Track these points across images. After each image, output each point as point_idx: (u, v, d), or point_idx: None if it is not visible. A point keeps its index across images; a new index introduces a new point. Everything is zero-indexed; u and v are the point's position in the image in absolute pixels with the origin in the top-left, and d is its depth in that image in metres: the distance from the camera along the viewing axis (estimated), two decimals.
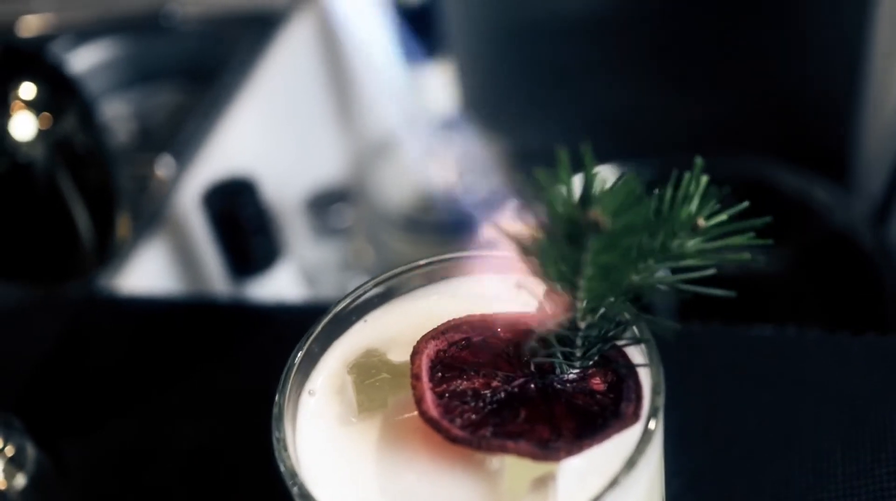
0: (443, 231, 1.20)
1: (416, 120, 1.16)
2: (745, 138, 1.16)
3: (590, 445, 0.36)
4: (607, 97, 1.21)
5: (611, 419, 0.37)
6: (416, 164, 1.20)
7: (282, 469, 0.38)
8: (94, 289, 0.79)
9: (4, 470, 0.60)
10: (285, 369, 0.41)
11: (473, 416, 0.38)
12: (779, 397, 0.56)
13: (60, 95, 0.78)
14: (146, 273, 0.86)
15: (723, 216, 0.35)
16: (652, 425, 0.36)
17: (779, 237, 0.36)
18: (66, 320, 0.75)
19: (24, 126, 0.75)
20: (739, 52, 1.19)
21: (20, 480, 0.61)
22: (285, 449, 0.38)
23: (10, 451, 0.61)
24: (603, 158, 1.10)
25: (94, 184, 0.81)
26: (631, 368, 0.39)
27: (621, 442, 0.36)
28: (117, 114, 1.11)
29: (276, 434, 0.39)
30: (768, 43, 1.19)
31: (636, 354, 0.40)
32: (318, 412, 0.41)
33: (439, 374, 0.40)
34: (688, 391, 0.57)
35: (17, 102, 0.74)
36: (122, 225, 0.85)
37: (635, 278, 0.36)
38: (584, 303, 0.36)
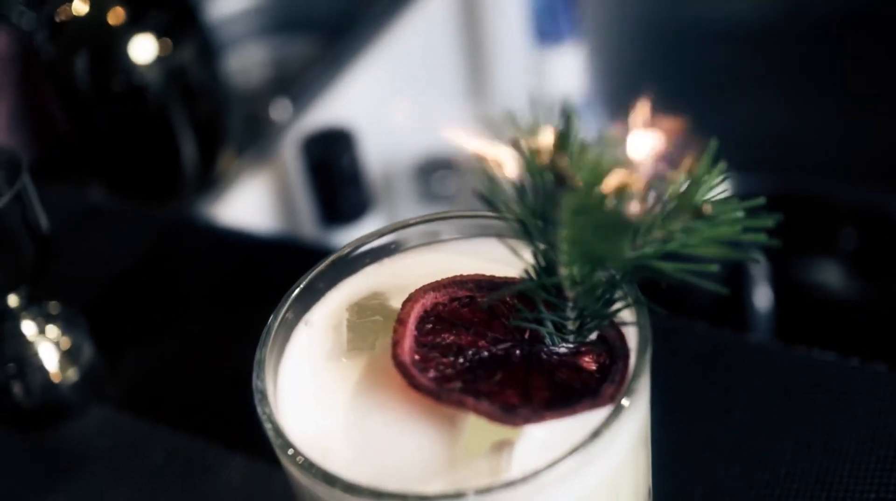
0: None
1: (540, 101, 1.14)
2: (878, 169, 1.09)
3: (553, 417, 0.35)
4: (742, 108, 1.16)
5: (587, 397, 0.36)
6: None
7: (254, 388, 0.38)
8: (189, 213, 0.82)
9: (59, 362, 0.63)
10: (286, 294, 0.42)
11: (448, 370, 0.37)
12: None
13: (183, 25, 0.81)
14: (243, 208, 0.89)
15: (728, 204, 0.33)
16: (625, 402, 0.35)
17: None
18: (155, 236, 0.78)
19: (144, 49, 0.79)
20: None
21: (72, 374, 0.64)
22: (262, 370, 0.39)
23: (65, 344, 0.64)
24: (725, 169, 1.06)
25: (204, 114, 0.84)
26: (624, 352, 0.38)
27: (595, 423, 0.35)
28: (253, 59, 1.15)
29: (258, 355, 0.39)
30: None
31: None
32: (309, 343, 0.41)
33: (430, 325, 0.39)
34: (726, 407, 0.55)
35: (141, 25, 0.78)
36: (227, 158, 0.88)
37: (630, 253, 0.34)
38: (569, 270, 0.34)
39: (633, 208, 0.32)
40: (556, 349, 0.38)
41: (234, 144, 0.89)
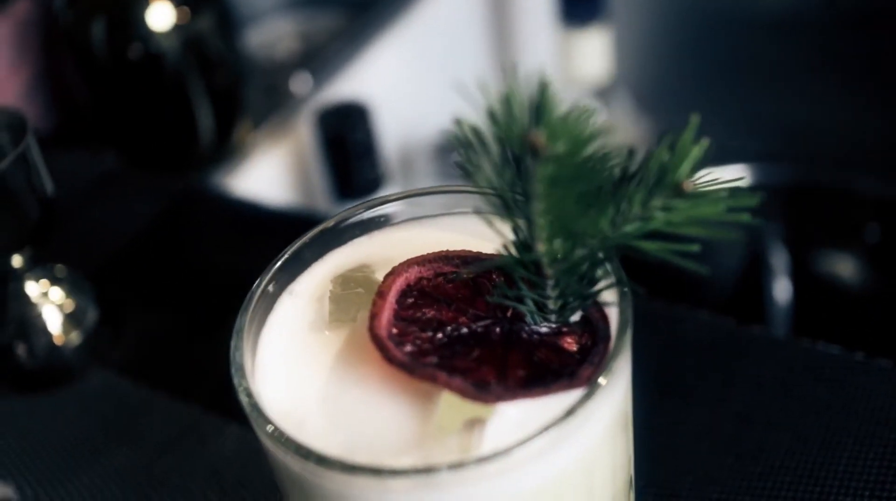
0: None
1: (565, 84, 1.13)
2: None
3: (526, 396, 0.34)
4: (767, 97, 1.14)
5: (564, 378, 0.35)
6: None
7: (231, 358, 0.38)
8: (204, 183, 0.82)
9: (63, 325, 0.64)
10: (271, 262, 0.41)
11: (425, 345, 0.37)
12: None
13: None
14: (258, 179, 0.89)
15: (710, 182, 0.32)
16: (602, 380, 0.34)
17: None
18: (168, 205, 0.79)
19: (161, 17, 0.78)
20: None
21: (75, 337, 0.64)
22: (241, 339, 0.38)
23: (69, 307, 0.64)
24: (748, 159, 1.04)
25: (221, 84, 0.84)
26: (606, 334, 0.37)
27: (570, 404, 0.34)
28: (279, 31, 1.14)
29: (238, 323, 0.39)
30: None
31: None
32: (292, 313, 0.41)
33: (411, 299, 0.39)
34: (723, 397, 0.54)
35: None
36: (244, 129, 0.88)
37: (608, 230, 0.34)
38: (546, 246, 0.34)
39: (611, 180, 0.31)
40: (538, 329, 0.37)
41: (252, 115, 0.89)
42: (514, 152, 0.30)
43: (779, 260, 1.02)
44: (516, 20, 1.18)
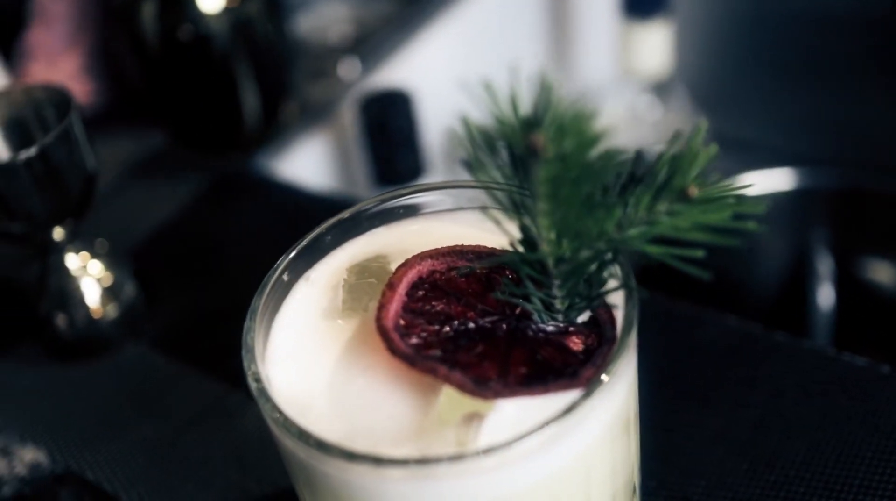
0: None
1: (623, 78, 1.12)
2: None
3: (524, 393, 0.35)
4: (819, 98, 1.12)
5: (564, 377, 0.35)
6: (611, 121, 1.17)
7: (243, 341, 0.39)
8: (247, 165, 0.83)
9: (101, 298, 0.66)
10: (290, 248, 0.42)
11: (430, 338, 0.37)
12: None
13: None
14: (302, 163, 0.89)
15: (717, 188, 0.32)
16: (603, 381, 0.34)
17: None
18: (210, 185, 0.80)
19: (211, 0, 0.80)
20: None
21: (112, 310, 0.66)
22: (254, 322, 0.39)
23: (107, 281, 0.66)
24: (796, 161, 1.02)
25: (268, 68, 0.85)
26: (612, 336, 0.37)
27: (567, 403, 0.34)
28: (333, 16, 1.15)
29: (252, 305, 0.40)
30: None
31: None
32: (307, 299, 0.42)
33: (421, 292, 0.39)
34: (742, 402, 0.54)
35: None
36: (289, 113, 0.89)
37: (614, 233, 0.34)
38: (551, 246, 0.34)
39: (613, 182, 0.31)
40: (544, 327, 0.38)
41: (298, 99, 0.90)
42: (516, 153, 0.30)
43: (824, 266, 1.00)
44: (575, 11, 1.17)
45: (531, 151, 0.29)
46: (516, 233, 0.35)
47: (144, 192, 0.79)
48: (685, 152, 0.32)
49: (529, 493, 0.35)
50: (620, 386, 0.36)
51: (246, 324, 0.39)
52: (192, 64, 0.81)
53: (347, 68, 0.96)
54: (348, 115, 0.93)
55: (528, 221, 0.33)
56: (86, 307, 0.65)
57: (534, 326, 0.38)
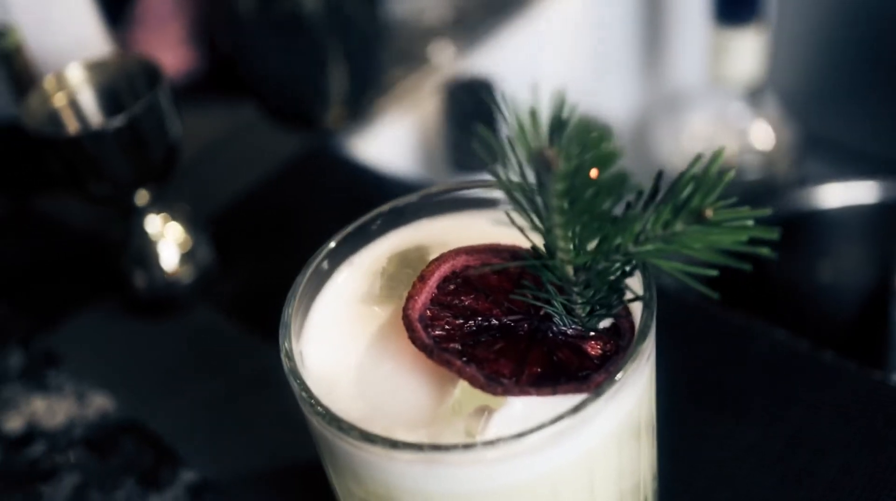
0: None
1: (713, 84, 1.11)
2: None
3: (533, 393, 0.36)
4: None
5: (574, 381, 0.37)
6: (700, 128, 1.16)
7: (282, 316, 0.41)
8: (330, 142, 0.86)
9: (178, 260, 0.69)
10: (337, 232, 0.44)
11: (454, 331, 0.39)
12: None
13: None
14: (383, 144, 0.92)
15: (732, 211, 0.33)
16: (611, 384, 0.35)
17: None
18: (292, 159, 0.83)
19: None
20: None
21: (187, 273, 0.69)
22: (294, 299, 0.42)
23: (185, 244, 0.69)
24: (885, 172, 1.00)
25: (359, 49, 0.87)
26: (628, 343, 0.38)
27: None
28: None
29: (294, 285, 0.42)
30: None
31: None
32: (348, 283, 0.44)
33: (453, 286, 0.41)
34: (778, 417, 0.54)
35: None
36: (376, 94, 0.91)
37: (631, 247, 0.35)
38: (569, 254, 0.35)
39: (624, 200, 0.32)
40: (566, 331, 0.39)
41: (387, 81, 0.92)
42: (531, 165, 0.32)
43: None
44: (670, 15, 1.16)
45: (545, 166, 0.31)
46: (537, 239, 0.36)
47: (230, 161, 0.83)
48: (704, 175, 0.33)
49: (532, 486, 0.37)
50: (629, 393, 0.37)
51: (287, 301, 0.42)
52: (284, 39, 0.84)
53: (439, 53, 0.98)
54: (434, 99, 0.95)
55: (545, 229, 0.34)
56: (163, 268, 0.69)
57: (555, 328, 0.39)
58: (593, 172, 0.31)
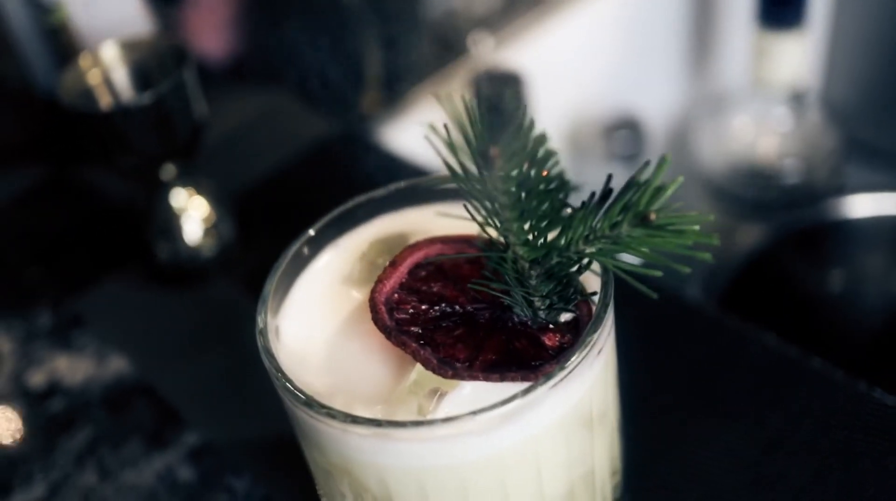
0: (743, 207, 1.16)
1: (756, 87, 1.11)
2: None
3: (481, 378, 0.38)
4: None
5: (523, 369, 0.38)
6: (741, 130, 1.16)
7: (263, 290, 0.44)
8: (359, 128, 0.88)
9: (201, 233, 0.72)
10: (326, 214, 0.47)
11: (417, 315, 0.41)
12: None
13: None
14: (413, 132, 0.94)
15: (676, 216, 0.34)
16: (557, 374, 0.37)
17: None
18: (321, 142, 0.85)
19: None
20: None
21: (209, 244, 0.72)
22: (275, 276, 0.44)
23: (209, 219, 0.72)
24: None
25: (396, 36, 0.89)
26: (581, 338, 0.40)
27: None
28: None
29: (278, 262, 0.45)
30: None
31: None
32: (331, 263, 0.46)
33: (424, 272, 0.43)
34: (759, 421, 0.55)
35: None
36: (410, 82, 0.93)
37: (581, 244, 0.36)
38: (522, 249, 0.37)
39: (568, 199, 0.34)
40: (527, 322, 0.40)
41: (424, 70, 0.94)
42: (475, 160, 0.33)
43: None
44: (717, 16, 1.16)
45: (488, 164, 0.32)
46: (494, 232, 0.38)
47: (261, 142, 0.86)
48: (651, 180, 0.34)
49: (479, 466, 0.38)
50: (577, 383, 0.39)
51: (268, 277, 0.44)
52: (322, 24, 0.86)
53: (478, 44, 1.00)
54: (464, 91, 0.96)
55: (499, 224, 0.36)
56: (185, 240, 0.72)
57: (517, 319, 0.41)
58: (544, 173, 0.32)
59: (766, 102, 1.13)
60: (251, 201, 0.79)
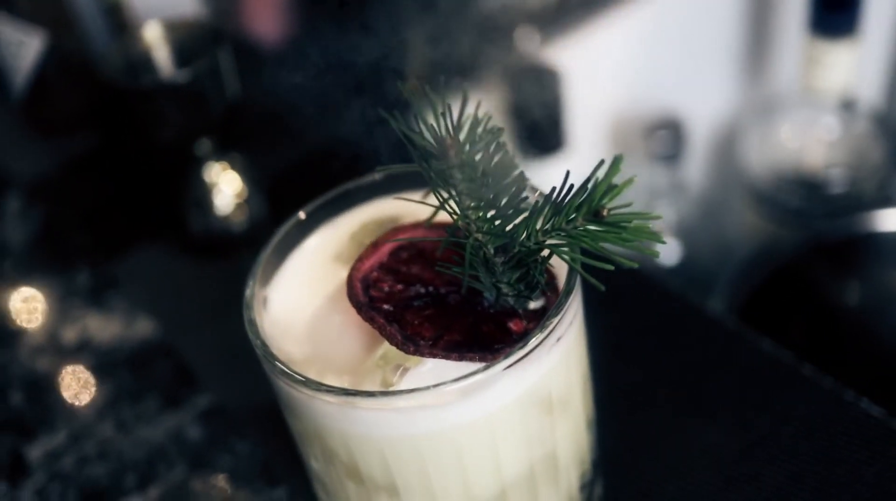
0: (786, 213, 1.15)
1: (806, 95, 1.10)
2: None
3: (439, 356, 0.40)
4: None
5: (483, 351, 0.40)
6: (789, 136, 1.15)
7: (255, 261, 0.46)
8: (398, 118, 0.90)
9: (235, 208, 0.76)
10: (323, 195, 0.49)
11: (391, 294, 0.43)
12: None
13: None
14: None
15: (628, 211, 0.36)
16: (512, 355, 0.39)
17: None
18: (352, 126, 0.88)
19: None
20: None
21: (241, 219, 0.76)
22: (267, 250, 0.47)
23: (241, 194, 0.76)
24: None
25: (440, 28, 0.91)
26: (541, 322, 0.41)
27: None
28: None
29: (274, 236, 0.47)
30: None
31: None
32: (325, 241, 0.49)
33: (406, 254, 0.45)
34: (742, 422, 0.56)
35: None
36: (452, 73, 0.95)
37: (540, 236, 0.38)
38: (485, 237, 0.39)
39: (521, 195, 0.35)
40: (497, 307, 0.42)
41: (466, 60, 0.96)
42: (436, 152, 0.35)
43: None
44: (767, 22, 1.16)
45: (445, 153, 0.34)
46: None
47: (297, 121, 0.89)
48: (605, 177, 0.36)
49: (437, 438, 0.40)
50: (534, 367, 0.40)
51: (262, 250, 0.47)
52: (362, 14, 0.89)
53: (525, 40, 1.01)
54: (504, 86, 0.98)
55: (461, 213, 0.38)
56: (216, 214, 0.75)
57: (487, 304, 0.43)
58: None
59: (815, 109, 1.12)
60: (285, 180, 0.82)
